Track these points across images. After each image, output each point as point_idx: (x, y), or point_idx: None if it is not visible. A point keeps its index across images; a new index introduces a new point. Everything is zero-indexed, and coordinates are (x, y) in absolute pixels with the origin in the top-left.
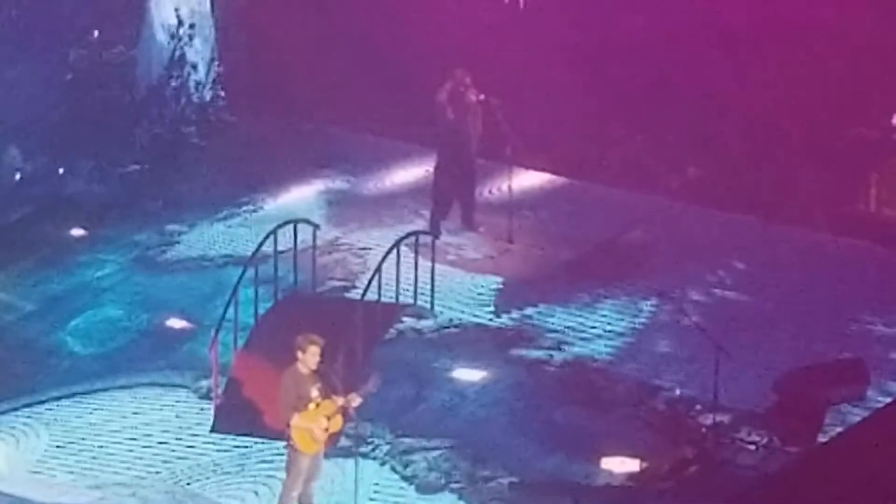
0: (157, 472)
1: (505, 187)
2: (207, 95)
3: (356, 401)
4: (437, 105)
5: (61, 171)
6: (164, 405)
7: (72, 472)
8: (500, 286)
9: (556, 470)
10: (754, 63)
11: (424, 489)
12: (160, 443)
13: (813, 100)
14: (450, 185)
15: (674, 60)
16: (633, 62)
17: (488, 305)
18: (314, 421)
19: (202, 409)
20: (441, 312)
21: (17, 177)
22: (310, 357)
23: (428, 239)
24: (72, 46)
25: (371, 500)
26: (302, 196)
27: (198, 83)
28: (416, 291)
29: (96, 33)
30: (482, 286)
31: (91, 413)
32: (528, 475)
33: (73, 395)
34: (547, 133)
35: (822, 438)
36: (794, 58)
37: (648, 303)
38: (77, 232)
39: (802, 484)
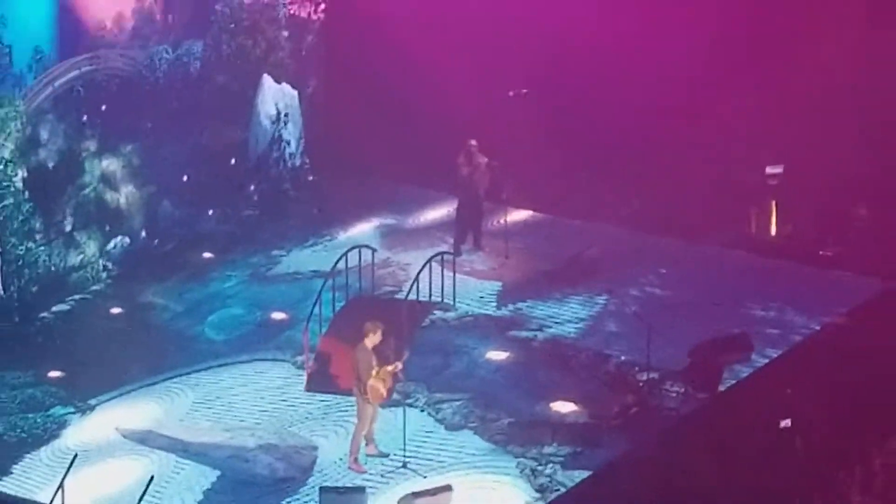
0: (269, 420)
1: (503, 221)
2: (297, 162)
3: (399, 367)
4: (456, 165)
5: (198, 216)
6: (272, 374)
7: (209, 421)
8: (500, 288)
9: (540, 413)
10: (668, 139)
11: (451, 428)
12: (270, 400)
13: (715, 157)
14: (465, 220)
15: (618, 139)
16: (594, 135)
17: (492, 301)
18: (381, 382)
19: (298, 376)
20: (460, 307)
21: (170, 221)
22: (374, 337)
23: (450, 257)
24: (204, 130)
25: (415, 435)
26: (363, 230)
27: (290, 154)
28: (443, 293)
29: (221, 121)
30: (488, 288)
31: (223, 380)
32: (521, 417)
33: (210, 367)
34: (531, 183)
35: (720, 388)
36: (696, 132)
37: (602, 297)
38: (210, 256)
39: (708, 420)
